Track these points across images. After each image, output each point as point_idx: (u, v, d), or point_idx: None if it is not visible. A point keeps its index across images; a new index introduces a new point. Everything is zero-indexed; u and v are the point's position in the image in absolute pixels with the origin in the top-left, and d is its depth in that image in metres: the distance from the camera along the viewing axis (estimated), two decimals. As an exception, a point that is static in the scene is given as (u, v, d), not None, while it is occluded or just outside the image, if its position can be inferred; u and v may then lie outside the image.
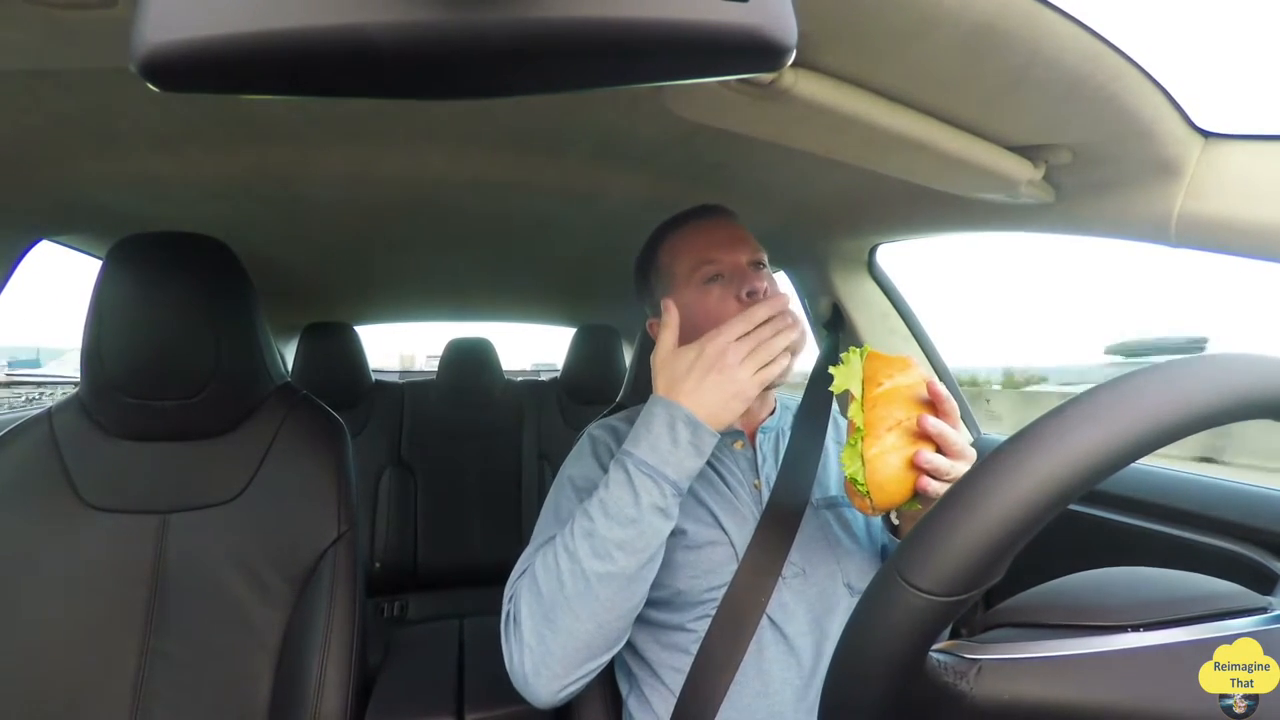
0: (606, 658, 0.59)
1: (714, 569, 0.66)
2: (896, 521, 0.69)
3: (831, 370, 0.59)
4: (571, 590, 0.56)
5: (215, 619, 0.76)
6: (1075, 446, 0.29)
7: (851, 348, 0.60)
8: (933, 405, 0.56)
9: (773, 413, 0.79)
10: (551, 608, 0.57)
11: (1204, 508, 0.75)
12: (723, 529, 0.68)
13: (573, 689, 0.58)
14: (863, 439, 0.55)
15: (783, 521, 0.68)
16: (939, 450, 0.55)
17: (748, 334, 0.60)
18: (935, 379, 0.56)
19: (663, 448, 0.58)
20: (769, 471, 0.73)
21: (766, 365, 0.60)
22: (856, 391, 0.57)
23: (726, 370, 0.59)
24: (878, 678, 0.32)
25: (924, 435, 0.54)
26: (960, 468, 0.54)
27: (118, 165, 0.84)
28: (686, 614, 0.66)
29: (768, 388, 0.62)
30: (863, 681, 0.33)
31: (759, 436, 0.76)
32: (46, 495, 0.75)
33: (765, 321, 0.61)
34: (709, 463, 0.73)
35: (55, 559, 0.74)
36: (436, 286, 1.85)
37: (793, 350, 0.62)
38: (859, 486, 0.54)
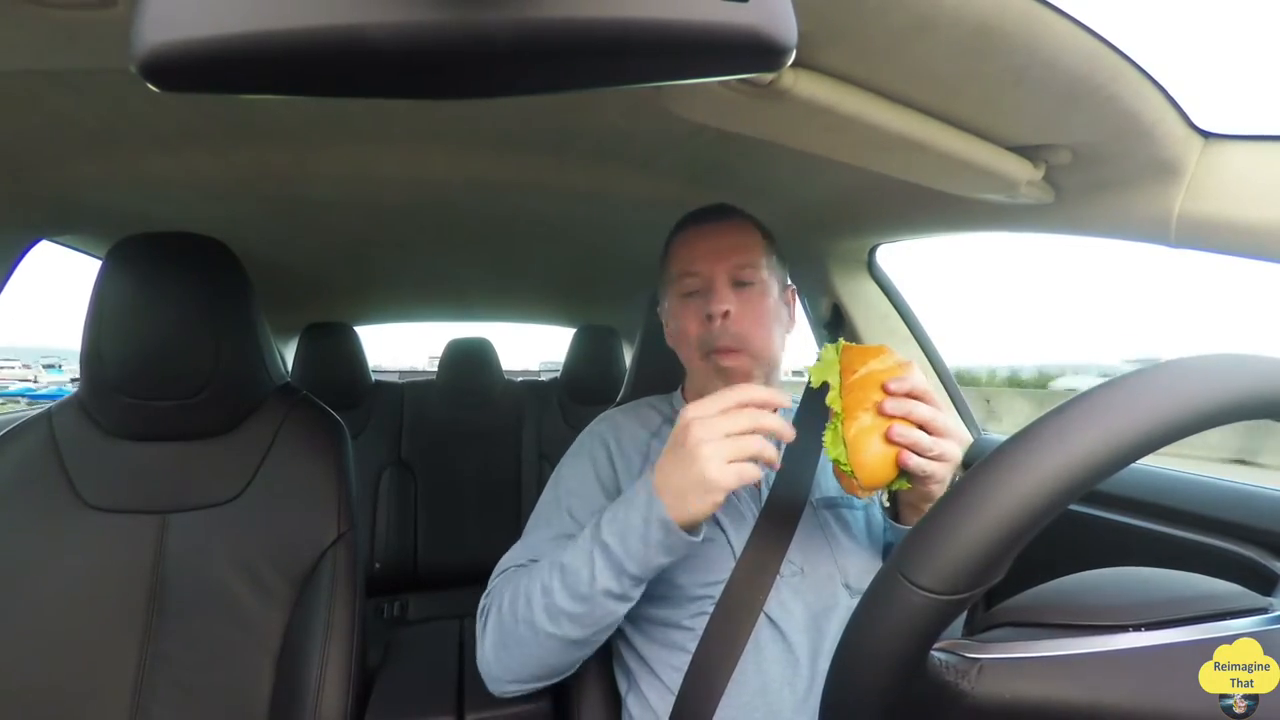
0: (561, 678, 0.65)
1: (710, 565, 0.66)
2: (887, 504, 0.69)
3: (806, 368, 0.60)
4: (525, 633, 0.60)
5: (215, 619, 0.76)
6: (1077, 445, 0.30)
7: (826, 344, 0.61)
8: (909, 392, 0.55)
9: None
10: (508, 635, 0.62)
11: (1204, 508, 0.75)
12: (719, 526, 0.68)
13: (529, 689, 0.65)
14: (842, 422, 0.55)
15: (781, 520, 0.68)
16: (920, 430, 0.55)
17: (722, 414, 0.52)
18: (913, 365, 0.56)
19: (631, 541, 0.55)
20: (769, 471, 0.73)
21: (741, 460, 0.51)
22: (835, 383, 0.58)
23: (688, 448, 0.51)
24: (879, 675, 0.32)
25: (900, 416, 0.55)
26: (944, 444, 0.55)
27: (118, 165, 0.84)
28: (683, 610, 0.66)
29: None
30: (864, 679, 0.33)
31: None
32: (46, 496, 0.75)
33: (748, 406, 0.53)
34: None
35: (55, 559, 0.74)
36: (436, 287, 1.85)
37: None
38: (844, 468, 0.55)
